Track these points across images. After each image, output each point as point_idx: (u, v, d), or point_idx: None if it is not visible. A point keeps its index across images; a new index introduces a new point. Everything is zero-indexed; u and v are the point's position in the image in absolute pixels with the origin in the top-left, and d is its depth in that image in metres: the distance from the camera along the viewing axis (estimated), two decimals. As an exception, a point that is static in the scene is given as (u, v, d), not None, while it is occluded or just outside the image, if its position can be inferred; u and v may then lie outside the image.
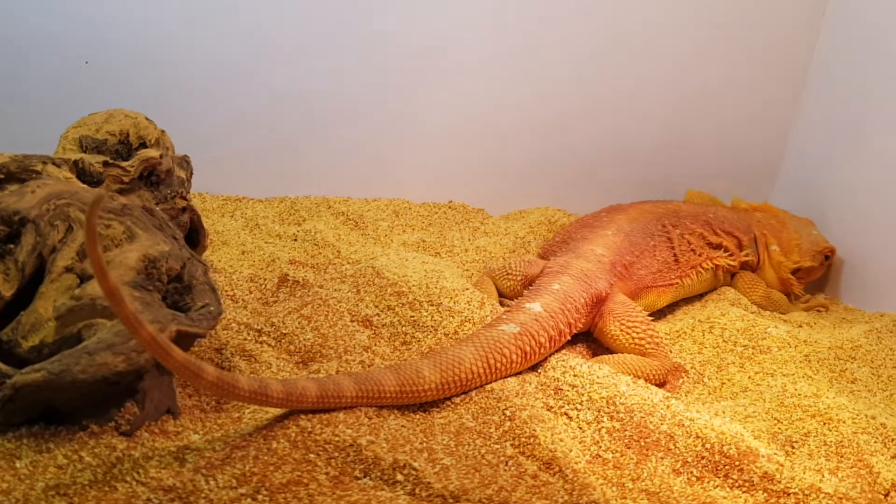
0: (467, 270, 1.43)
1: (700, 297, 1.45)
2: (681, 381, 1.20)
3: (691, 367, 1.21)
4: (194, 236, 1.16)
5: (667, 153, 1.76)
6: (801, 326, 1.37)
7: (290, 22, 1.49)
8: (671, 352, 1.25)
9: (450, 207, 1.68)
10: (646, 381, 1.12)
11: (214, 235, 1.40)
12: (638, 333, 1.17)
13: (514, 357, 1.04)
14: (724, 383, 1.18)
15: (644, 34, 1.65)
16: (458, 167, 1.69)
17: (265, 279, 1.29)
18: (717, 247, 1.44)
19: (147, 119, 1.13)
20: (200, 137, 1.47)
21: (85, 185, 0.96)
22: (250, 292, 1.25)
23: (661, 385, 1.17)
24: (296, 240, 1.43)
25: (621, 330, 1.18)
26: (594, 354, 1.22)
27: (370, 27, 1.53)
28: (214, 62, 1.49)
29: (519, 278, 1.28)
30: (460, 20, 1.56)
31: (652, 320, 1.21)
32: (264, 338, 1.10)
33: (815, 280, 1.61)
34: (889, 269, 1.50)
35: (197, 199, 1.53)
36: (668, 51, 1.67)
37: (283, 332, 1.10)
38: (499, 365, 1.03)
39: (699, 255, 1.40)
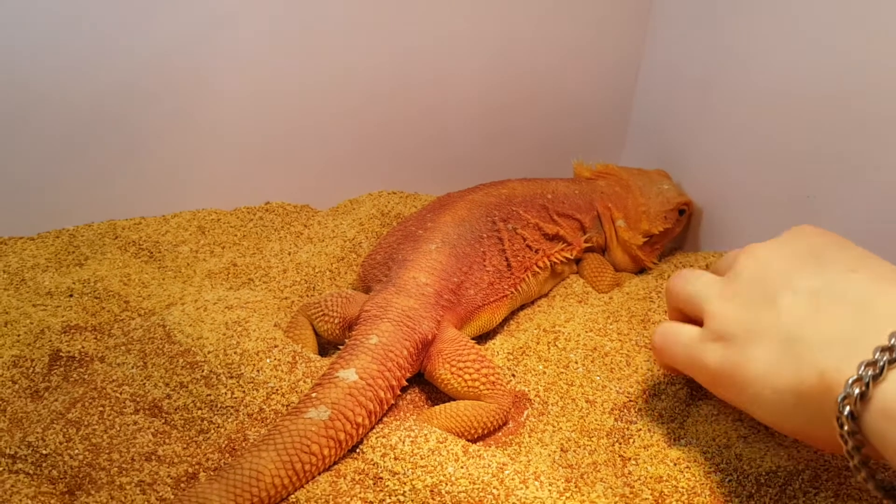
0: (286, 298, 1.25)
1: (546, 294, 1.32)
2: (525, 413, 1.08)
3: (535, 396, 1.10)
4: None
5: (510, 115, 1.58)
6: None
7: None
8: (514, 376, 1.13)
9: (267, 210, 1.47)
10: (482, 430, 1.01)
11: (-35, 305, 1.16)
12: (471, 375, 1.04)
13: (325, 452, 0.89)
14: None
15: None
16: (271, 158, 1.45)
17: (33, 360, 1.07)
18: (555, 237, 1.30)
19: None
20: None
21: None
22: (14, 383, 1.03)
23: (503, 424, 1.05)
24: (72, 295, 1.20)
25: (452, 374, 1.04)
26: (428, 398, 1.08)
27: (129, 18, 1.25)
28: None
29: (336, 320, 1.11)
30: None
31: (485, 357, 1.07)
32: (20, 465, 0.90)
33: (676, 238, 1.50)
34: (743, 216, 1.40)
35: (-52, 250, 1.26)
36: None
37: (44, 452, 0.91)
38: (308, 467, 0.87)
39: (535, 253, 1.25)
